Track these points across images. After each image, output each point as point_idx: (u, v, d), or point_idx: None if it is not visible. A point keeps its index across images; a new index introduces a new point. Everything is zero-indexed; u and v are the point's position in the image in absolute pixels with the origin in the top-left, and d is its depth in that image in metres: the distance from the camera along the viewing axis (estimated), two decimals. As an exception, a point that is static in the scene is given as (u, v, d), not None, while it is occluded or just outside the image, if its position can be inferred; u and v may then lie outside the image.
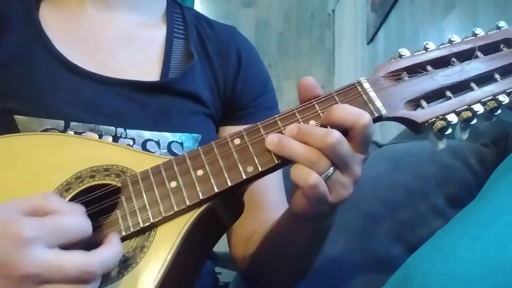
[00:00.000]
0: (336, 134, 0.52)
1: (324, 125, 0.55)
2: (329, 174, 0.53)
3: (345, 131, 0.54)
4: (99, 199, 0.56)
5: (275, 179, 0.79)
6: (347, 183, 0.54)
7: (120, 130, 0.71)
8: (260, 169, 0.54)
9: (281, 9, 3.47)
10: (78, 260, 0.45)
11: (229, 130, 0.78)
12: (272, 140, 0.55)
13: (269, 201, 0.78)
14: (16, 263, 0.44)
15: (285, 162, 0.55)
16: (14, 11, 0.76)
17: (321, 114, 0.55)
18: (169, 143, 0.73)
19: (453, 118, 0.55)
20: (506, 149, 0.85)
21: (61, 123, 0.69)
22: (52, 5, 0.78)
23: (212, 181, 0.54)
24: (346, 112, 0.54)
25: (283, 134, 0.55)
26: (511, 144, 0.84)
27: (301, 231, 0.62)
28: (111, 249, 0.48)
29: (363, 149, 0.54)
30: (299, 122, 0.56)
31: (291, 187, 0.57)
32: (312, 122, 0.55)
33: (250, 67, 0.84)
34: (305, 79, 0.57)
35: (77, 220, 0.48)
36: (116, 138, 0.70)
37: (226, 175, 0.54)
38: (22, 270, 0.44)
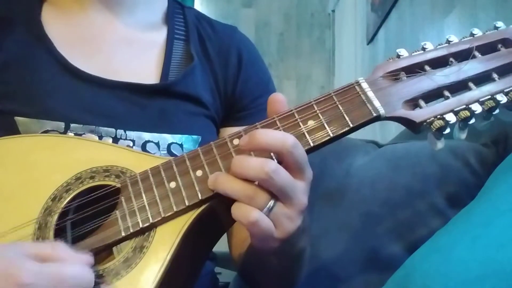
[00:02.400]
0: (271, 164, 0.50)
1: (246, 152, 0.52)
2: (270, 207, 0.50)
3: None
4: (99, 200, 0.56)
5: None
6: (292, 215, 0.51)
7: (120, 132, 0.71)
8: None
9: (281, 9, 3.47)
10: None
11: (229, 131, 0.77)
12: (210, 179, 0.53)
13: None
14: None
15: None
16: (17, 12, 0.76)
17: (320, 115, 0.55)
18: (169, 145, 0.73)
19: (451, 117, 0.55)
20: (506, 149, 0.84)
21: (62, 124, 0.69)
22: (54, 7, 0.79)
23: None
24: (271, 136, 0.51)
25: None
26: (511, 144, 0.84)
27: (268, 258, 0.60)
28: None
29: (298, 174, 0.51)
30: (298, 123, 0.55)
31: None
32: (311, 122, 0.55)
33: (251, 67, 0.84)
34: (275, 95, 0.56)
35: (79, 271, 0.48)
36: (116, 140, 0.70)
37: (225, 175, 0.54)
38: None
